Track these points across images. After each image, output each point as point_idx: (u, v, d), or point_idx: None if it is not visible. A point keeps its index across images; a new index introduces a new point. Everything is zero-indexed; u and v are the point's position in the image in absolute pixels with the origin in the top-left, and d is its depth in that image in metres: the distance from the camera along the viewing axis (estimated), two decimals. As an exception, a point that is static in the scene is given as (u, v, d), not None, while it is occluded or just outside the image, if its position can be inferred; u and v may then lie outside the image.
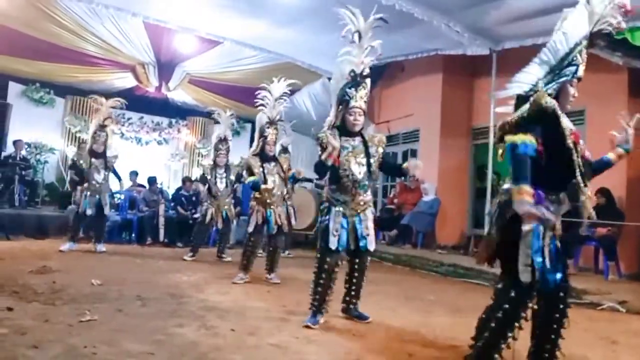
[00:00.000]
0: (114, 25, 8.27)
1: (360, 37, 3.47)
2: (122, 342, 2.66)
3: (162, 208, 8.52)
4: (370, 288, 4.92)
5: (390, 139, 10.42)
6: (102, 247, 6.75)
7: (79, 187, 6.78)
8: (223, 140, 6.95)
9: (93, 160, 6.70)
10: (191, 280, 4.98)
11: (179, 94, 11.46)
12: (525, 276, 2.17)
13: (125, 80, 10.84)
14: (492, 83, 6.77)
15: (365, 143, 3.51)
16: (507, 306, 2.27)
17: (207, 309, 3.65)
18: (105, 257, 6.33)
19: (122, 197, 9.26)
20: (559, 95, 2.33)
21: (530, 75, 2.34)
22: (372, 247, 3.53)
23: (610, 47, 6.13)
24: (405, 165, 3.59)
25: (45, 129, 10.69)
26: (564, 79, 2.30)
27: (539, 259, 2.17)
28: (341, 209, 3.43)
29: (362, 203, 3.49)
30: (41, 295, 3.70)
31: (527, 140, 2.16)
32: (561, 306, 2.40)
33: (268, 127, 5.16)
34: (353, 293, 3.63)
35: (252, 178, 5.04)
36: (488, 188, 6.79)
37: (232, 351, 2.68)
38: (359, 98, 3.44)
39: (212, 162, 6.97)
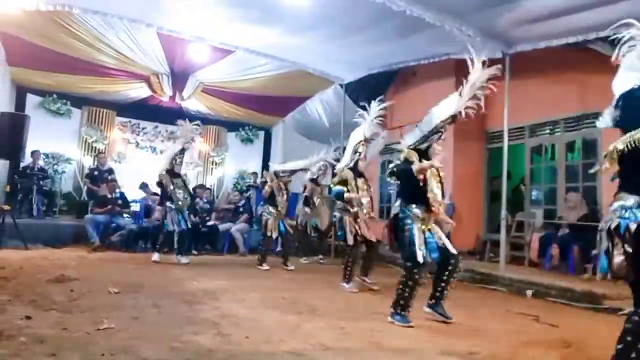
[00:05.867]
0: (129, 37, 8.38)
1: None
2: (139, 350, 2.68)
3: (177, 216, 8.57)
4: (384, 294, 4.91)
5: (403, 144, 10.38)
6: (185, 259, 7.01)
7: (164, 205, 7.19)
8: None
9: (174, 180, 7.05)
10: (206, 287, 4.99)
11: (193, 103, 11.55)
12: None
13: (140, 91, 10.97)
14: (506, 86, 6.69)
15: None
16: None
17: (222, 316, 3.66)
18: (122, 265, 6.38)
19: (138, 205, 9.37)
20: None
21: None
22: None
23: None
24: None
25: (62, 139, 10.84)
26: None
27: None
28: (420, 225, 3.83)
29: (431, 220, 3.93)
30: (59, 303, 3.74)
31: None
32: None
33: (363, 145, 5.51)
34: (438, 294, 3.92)
35: (339, 187, 5.49)
36: (503, 192, 6.71)
37: (247, 358, 2.68)
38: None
39: (277, 183, 7.26)
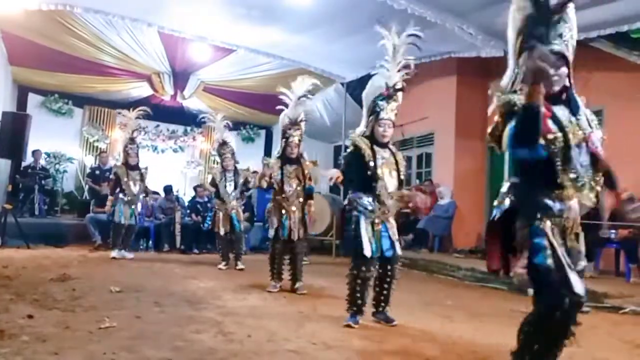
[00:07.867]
0: (130, 36, 8.40)
1: (394, 51, 3.65)
2: (141, 349, 2.68)
3: (178, 215, 8.60)
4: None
5: (405, 143, 10.39)
6: (129, 254, 6.91)
7: (110, 197, 6.94)
8: (223, 144, 6.85)
9: (129, 172, 6.91)
10: (208, 286, 5.00)
11: (194, 102, 11.57)
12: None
13: (142, 90, 10.99)
14: (508, 85, 6.70)
15: (394, 155, 3.64)
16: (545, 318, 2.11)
17: (224, 315, 3.66)
18: (124, 264, 6.40)
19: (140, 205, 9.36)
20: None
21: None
22: (399, 251, 3.65)
23: (628, 46, 6.06)
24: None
25: (63, 138, 10.87)
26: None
27: (545, 261, 2.00)
28: (370, 217, 3.52)
29: (386, 212, 3.56)
30: (61, 302, 3.75)
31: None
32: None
33: (289, 129, 4.95)
34: (382, 298, 3.67)
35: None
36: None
37: (250, 357, 2.68)
38: (390, 111, 3.58)
39: (221, 167, 6.83)
